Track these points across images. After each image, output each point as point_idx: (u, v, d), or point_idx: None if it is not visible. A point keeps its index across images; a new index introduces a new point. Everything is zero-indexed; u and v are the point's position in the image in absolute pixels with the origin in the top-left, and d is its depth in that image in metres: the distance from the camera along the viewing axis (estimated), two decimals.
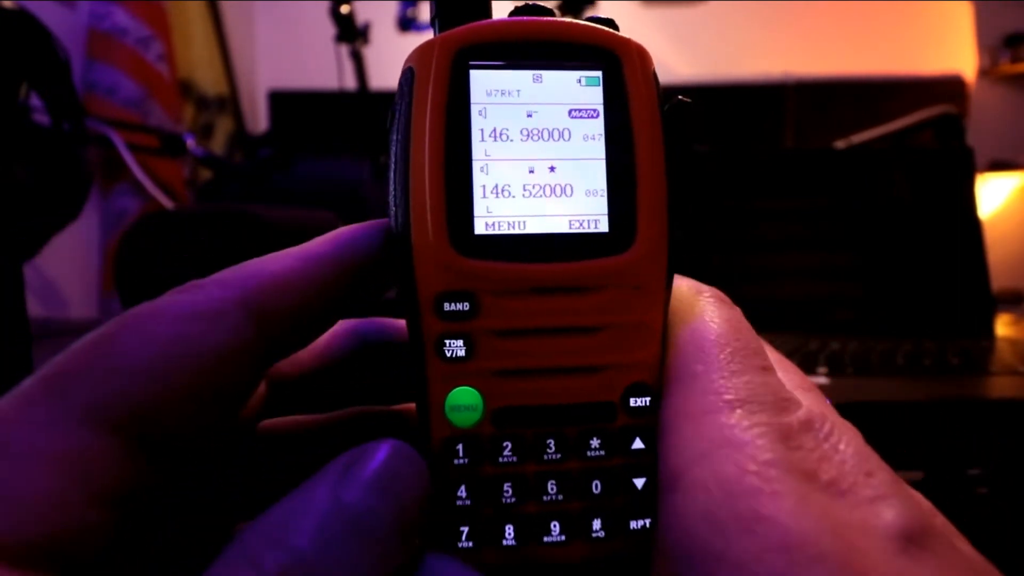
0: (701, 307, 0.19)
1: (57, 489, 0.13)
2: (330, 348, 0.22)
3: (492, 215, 0.18)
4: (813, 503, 0.14)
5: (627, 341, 0.18)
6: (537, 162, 0.19)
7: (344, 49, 1.41)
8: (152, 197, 1.34)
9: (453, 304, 0.18)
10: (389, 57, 0.78)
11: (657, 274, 0.19)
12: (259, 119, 2.41)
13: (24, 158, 0.47)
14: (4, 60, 0.46)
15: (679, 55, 2.50)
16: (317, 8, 1.54)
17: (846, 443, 0.16)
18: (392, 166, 0.19)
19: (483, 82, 0.18)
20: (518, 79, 0.19)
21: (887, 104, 2.20)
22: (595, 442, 0.18)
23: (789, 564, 0.14)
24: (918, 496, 0.16)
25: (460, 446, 0.18)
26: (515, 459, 0.18)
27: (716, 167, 0.77)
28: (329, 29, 1.40)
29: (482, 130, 0.18)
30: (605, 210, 0.19)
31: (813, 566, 0.13)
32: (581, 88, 0.19)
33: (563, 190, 0.19)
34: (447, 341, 0.18)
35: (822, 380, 0.49)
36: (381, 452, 0.14)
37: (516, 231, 0.18)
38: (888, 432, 0.43)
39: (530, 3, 0.20)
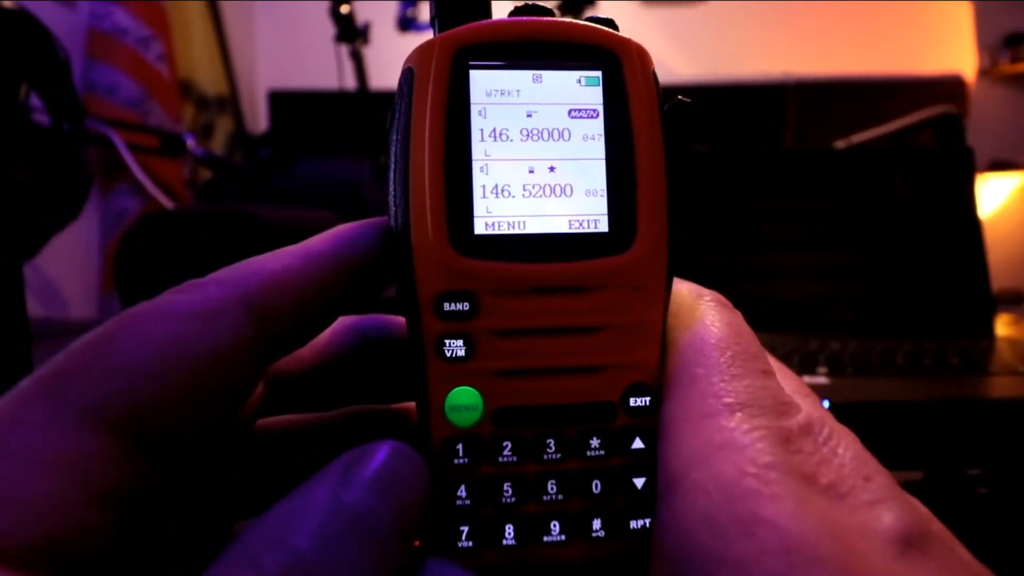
0: (702, 311, 0.19)
1: (56, 489, 0.13)
2: (330, 345, 0.22)
3: (492, 215, 0.18)
4: (812, 506, 0.14)
5: (627, 341, 0.18)
6: (537, 162, 0.19)
7: (344, 49, 1.41)
8: (152, 197, 1.34)
9: (453, 304, 0.18)
10: (389, 57, 0.78)
11: (657, 274, 0.19)
12: (259, 119, 2.41)
13: (24, 158, 0.47)
14: (4, 60, 0.46)
15: (679, 55, 2.50)
16: (317, 8, 1.54)
17: (845, 447, 0.16)
18: (392, 166, 0.19)
19: (483, 82, 0.18)
20: (518, 79, 0.19)
21: (887, 104, 2.21)
22: (595, 442, 0.18)
23: (788, 566, 0.14)
24: (915, 501, 0.16)
25: (460, 446, 0.18)
26: (515, 459, 0.18)
27: (716, 167, 0.77)
28: (329, 29, 1.40)
29: (482, 130, 0.18)
30: (605, 210, 0.19)
31: (812, 568, 0.13)
32: (581, 88, 0.19)
33: (563, 190, 0.19)
34: (447, 341, 0.18)
35: (822, 380, 0.49)
36: (381, 452, 0.14)
37: (516, 231, 0.18)
38: (888, 432, 0.43)
39: (530, 3, 0.20)
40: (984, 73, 2.56)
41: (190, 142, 1.16)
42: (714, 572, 0.14)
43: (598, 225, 0.19)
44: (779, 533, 0.14)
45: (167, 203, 1.30)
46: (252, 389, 0.17)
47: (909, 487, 0.16)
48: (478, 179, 0.18)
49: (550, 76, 0.19)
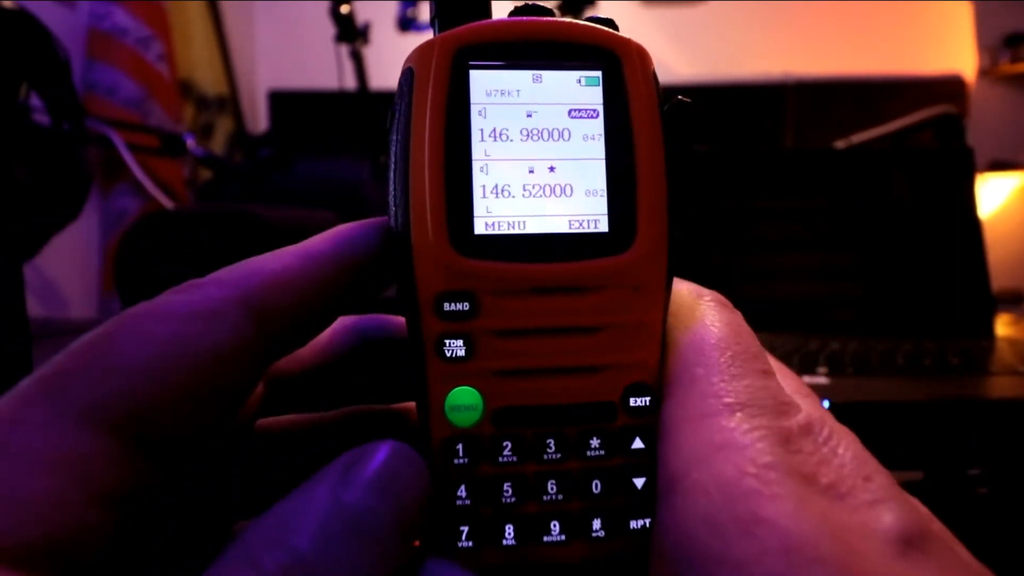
0: (702, 311, 0.19)
1: (56, 489, 0.13)
2: (330, 345, 0.22)
3: (492, 215, 0.18)
4: (812, 506, 0.14)
5: (627, 341, 0.18)
6: (537, 162, 0.19)
7: (344, 49, 1.41)
8: (152, 197, 1.34)
9: (453, 304, 0.18)
10: (389, 57, 0.78)
11: (657, 274, 0.19)
12: (259, 119, 2.41)
13: (24, 158, 0.47)
14: (4, 60, 0.46)
15: (679, 55, 2.50)
16: (317, 8, 1.54)
17: (844, 447, 0.16)
18: (392, 166, 0.19)
19: (483, 82, 0.18)
20: (518, 79, 0.19)
21: (887, 104, 2.21)
22: (595, 442, 0.18)
23: (788, 566, 0.14)
24: (915, 501, 0.16)
25: (460, 446, 0.18)
26: (515, 459, 0.18)
27: (716, 167, 0.77)
28: (329, 29, 1.40)
29: (482, 130, 0.18)
30: (605, 210, 0.19)
31: (812, 568, 0.13)
32: (581, 88, 0.19)
33: (563, 190, 0.19)
34: (447, 341, 0.18)
35: (822, 380, 0.49)
36: (381, 452, 0.14)
37: (516, 231, 0.18)
38: (888, 432, 0.43)
39: (530, 3, 0.20)
40: (984, 73, 2.56)
41: (190, 142, 1.16)
42: (714, 572, 0.14)
43: (598, 225, 0.19)
44: (779, 533, 0.14)
45: (167, 203, 1.31)
46: (252, 389, 0.17)
47: (909, 487, 0.16)
48: (478, 179, 0.18)
49: (550, 76, 0.19)
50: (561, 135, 0.19)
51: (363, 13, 1.44)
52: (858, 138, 0.92)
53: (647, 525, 0.18)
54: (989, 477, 0.40)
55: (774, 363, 0.19)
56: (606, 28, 0.19)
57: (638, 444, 0.18)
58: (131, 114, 1.53)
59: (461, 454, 0.18)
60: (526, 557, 0.18)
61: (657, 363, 0.19)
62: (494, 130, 0.18)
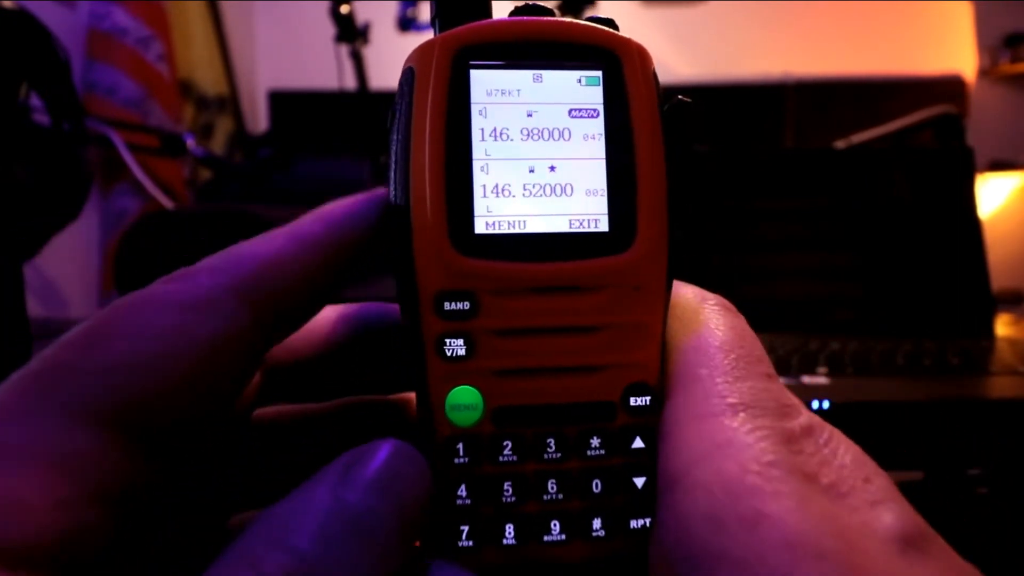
0: (706, 314, 0.19)
1: (53, 489, 0.13)
2: (329, 334, 0.21)
3: (492, 215, 0.18)
4: (814, 504, 0.14)
5: (627, 341, 0.18)
6: (537, 162, 0.19)
7: (344, 49, 1.41)
8: (152, 197, 1.34)
9: (453, 303, 0.18)
10: (389, 57, 0.78)
11: (657, 274, 0.19)
12: (259, 119, 2.41)
13: (24, 158, 0.47)
14: (4, 60, 0.46)
15: (679, 55, 2.50)
16: (317, 8, 1.54)
17: (845, 449, 0.16)
18: (392, 166, 0.19)
19: (483, 82, 0.18)
20: (518, 79, 0.19)
21: (887, 104, 2.20)
22: (595, 441, 0.18)
23: (791, 562, 0.14)
24: (910, 505, 0.16)
25: (460, 445, 0.18)
26: (515, 458, 0.18)
27: (716, 167, 0.77)
28: (329, 29, 1.40)
29: (482, 130, 0.18)
30: (605, 210, 0.19)
31: (815, 564, 0.13)
32: (581, 88, 0.19)
33: (563, 190, 0.19)
34: (447, 340, 0.18)
35: (822, 380, 0.49)
36: (382, 452, 0.14)
37: (516, 231, 0.18)
38: (888, 432, 0.43)
39: (530, 3, 0.20)
40: (984, 73, 2.56)
41: (190, 142, 1.15)
42: (715, 569, 0.14)
43: (598, 225, 0.19)
44: (782, 529, 0.14)
45: (167, 203, 1.31)
46: (249, 378, 0.17)
47: (909, 487, 0.16)
48: (478, 178, 0.18)
49: (550, 76, 0.19)
50: (561, 135, 0.19)
51: (363, 13, 1.44)
52: (858, 138, 0.92)
53: (647, 525, 0.18)
54: (989, 477, 0.40)
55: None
56: (606, 28, 0.19)
57: (638, 444, 0.18)
58: (131, 114, 1.53)
59: (461, 453, 0.18)
60: (526, 556, 0.18)
61: (657, 363, 0.19)
62: (494, 130, 0.18)
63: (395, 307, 0.22)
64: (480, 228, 0.18)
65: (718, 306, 0.19)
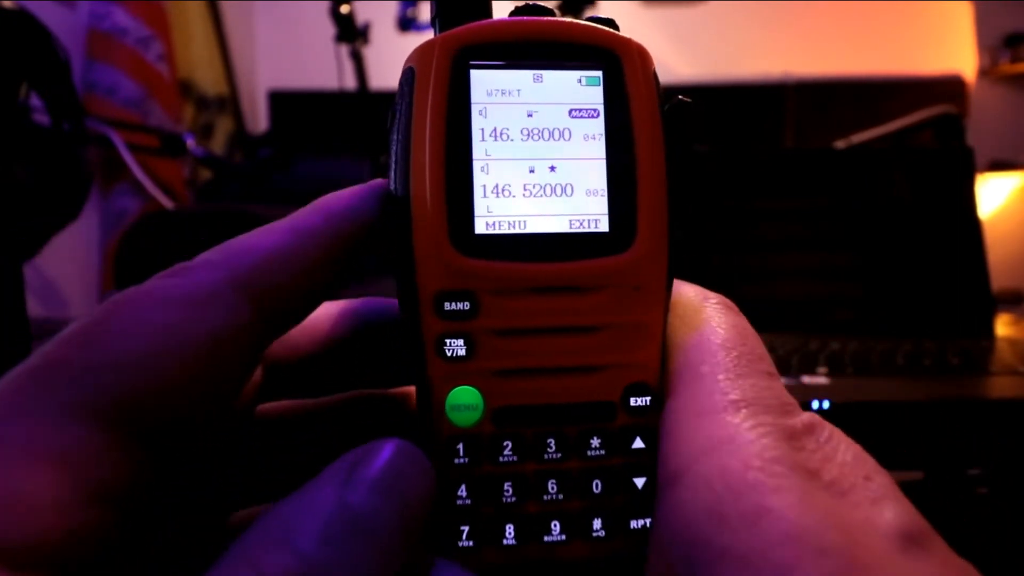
0: (708, 313, 0.19)
1: (53, 488, 0.13)
2: (329, 329, 0.21)
3: (492, 215, 0.18)
4: (817, 499, 0.14)
5: (627, 341, 0.18)
6: (537, 162, 0.19)
7: (344, 49, 1.41)
8: (152, 197, 1.34)
9: (453, 303, 0.18)
10: (389, 57, 0.78)
11: (657, 274, 0.19)
12: (259, 119, 2.41)
13: (24, 158, 0.47)
14: (4, 60, 0.46)
15: (679, 55, 2.50)
16: (317, 8, 1.54)
17: (845, 447, 0.16)
18: (392, 166, 0.19)
19: (483, 82, 0.18)
20: (518, 79, 0.19)
21: (887, 104, 2.20)
22: (595, 441, 0.18)
23: (793, 557, 0.14)
24: (911, 503, 0.16)
25: (460, 445, 0.18)
26: (515, 458, 0.18)
27: (716, 167, 0.77)
28: (329, 29, 1.40)
29: (482, 130, 0.18)
30: (605, 210, 0.19)
31: (818, 559, 0.13)
32: (581, 88, 0.19)
33: (563, 190, 0.19)
34: (447, 340, 0.18)
35: (822, 380, 0.49)
36: (385, 452, 0.14)
37: (516, 231, 0.18)
38: (888, 432, 0.43)
39: (530, 3, 0.20)
40: (984, 73, 2.56)
41: (190, 142, 1.15)
42: (717, 565, 0.14)
43: (598, 225, 0.19)
44: (784, 524, 0.14)
45: (167, 203, 1.31)
46: (250, 374, 0.17)
47: (909, 487, 0.16)
48: (479, 178, 0.18)
49: (551, 76, 0.19)
50: (562, 135, 0.19)
51: (363, 13, 1.44)
52: (858, 138, 0.92)
53: (647, 525, 0.18)
54: (989, 477, 0.40)
55: None
56: (607, 28, 0.19)
57: (638, 444, 0.18)
58: (131, 114, 1.53)
59: (462, 453, 0.18)
60: (526, 556, 0.18)
61: (657, 363, 0.19)
62: (495, 130, 0.18)
63: (395, 302, 0.22)
64: (480, 228, 0.18)
65: (720, 304, 0.19)
